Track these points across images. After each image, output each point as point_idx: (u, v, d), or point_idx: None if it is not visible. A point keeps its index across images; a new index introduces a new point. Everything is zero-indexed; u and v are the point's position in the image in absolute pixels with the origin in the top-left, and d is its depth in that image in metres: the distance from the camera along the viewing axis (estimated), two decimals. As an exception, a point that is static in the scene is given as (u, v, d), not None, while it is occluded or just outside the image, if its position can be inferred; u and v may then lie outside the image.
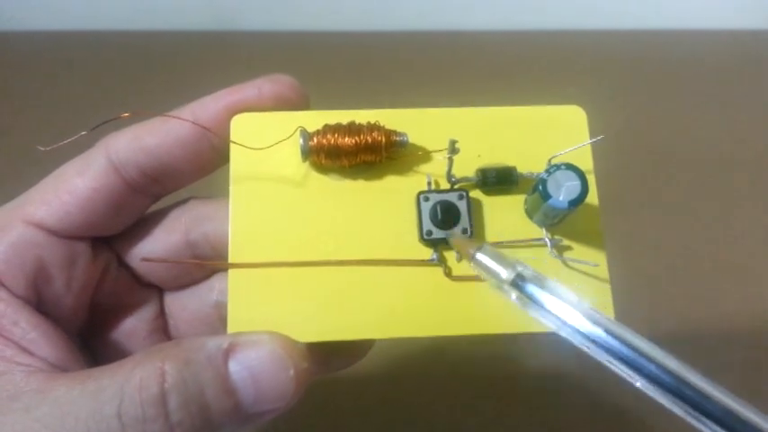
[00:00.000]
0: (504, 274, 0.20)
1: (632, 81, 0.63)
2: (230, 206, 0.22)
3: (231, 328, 0.21)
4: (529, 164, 0.23)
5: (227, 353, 0.20)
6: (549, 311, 0.19)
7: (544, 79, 0.60)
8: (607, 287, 0.22)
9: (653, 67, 0.64)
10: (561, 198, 0.20)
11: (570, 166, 0.20)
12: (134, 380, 0.19)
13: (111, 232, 0.25)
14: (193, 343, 0.20)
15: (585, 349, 0.19)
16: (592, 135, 0.23)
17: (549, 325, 0.19)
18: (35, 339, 0.21)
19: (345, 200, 0.22)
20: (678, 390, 0.17)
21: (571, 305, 0.19)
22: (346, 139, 0.21)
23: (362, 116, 0.23)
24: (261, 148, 0.22)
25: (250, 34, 0.63)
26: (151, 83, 0.55)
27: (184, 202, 0.26)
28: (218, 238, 0.24)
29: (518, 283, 0.19)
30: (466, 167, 0.23)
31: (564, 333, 0.19)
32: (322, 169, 0.22)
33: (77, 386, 0.19)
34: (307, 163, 0.22)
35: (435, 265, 0.22)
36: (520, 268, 0.20)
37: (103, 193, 0.23)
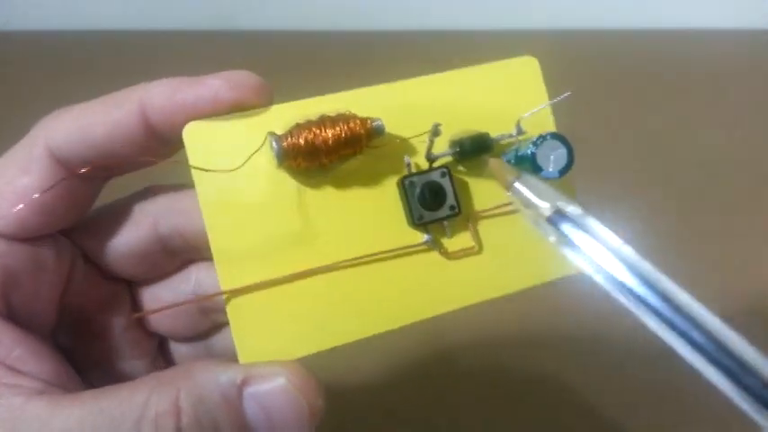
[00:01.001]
0: (542, 207, 0.19)
1: (631, 81, 0.63)
2: (207, 231, 0.20)
3: (243, 359, 0.20)
4: (496, 126, 0.22)
5: (241, 388, 0.19)
6: (583, 253, 0.18)
7: (544, 78, 0.60)
8: None
9: (653, 67, 0.64)
10: (551, 169, 0.21)
11: (555, 135, 0.21)
12: (149, 414, 0.18)
13: (70, 223, 0.23)
14: (206, 375, 0.19)
15: (620, 298, 0.17)
16: (553, 97, 0.23)
17: (581, 268, 0.18)
18: (21, 356, 0.20)
19: (326, 200, 0.21)
20: (717, 358, 0.16)
21: (610, 249, 0.17)
22: (324, 133, 0.20)
23: (313, 105, 0.21)
24: (230, 170, 0.20)
25: (249, 34, 0.63)
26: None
27: (147, 192, 0.24)
28: (191, 230, 0.23)
29: (555, 219, 0.18)
30: (438, 140, 0.22)
31: (598, 278, 0.18)
32: (297, 171, 0.21)
33: (88, 417, 0.18)
34: (280, 168, 0.21)
35: (430, 247, 0.22)
36: (560, 203, 0.19)
37: (54, 188, 0.21)
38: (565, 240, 0.18)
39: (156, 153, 0.22)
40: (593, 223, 0.18)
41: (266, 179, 0.21)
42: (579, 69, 0.63)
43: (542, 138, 0.21)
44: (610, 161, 0.53)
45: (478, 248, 0.22)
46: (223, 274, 0.20)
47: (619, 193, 0.52)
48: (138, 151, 0.22)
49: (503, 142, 0.22)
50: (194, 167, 0.20)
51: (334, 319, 0.21)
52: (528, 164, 0.21)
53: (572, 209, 0.18)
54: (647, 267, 0.17)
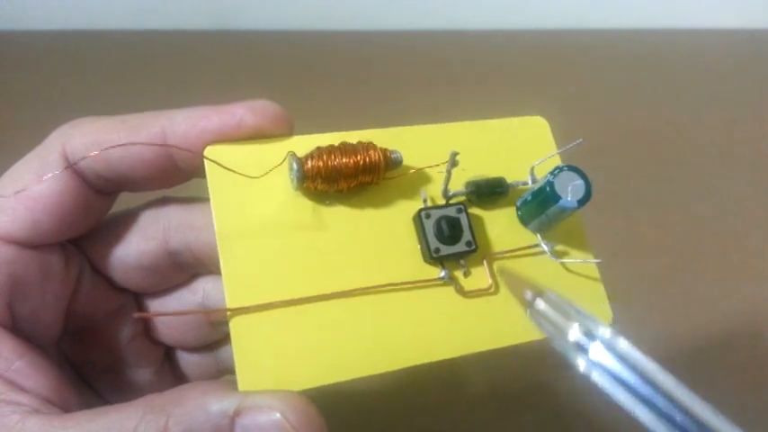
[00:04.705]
0: (568, 330, 0.17)
1: (632, 80, 0.63)
2: (219, 251, 0.20)
3: (242, 386, 0.19)
4: (508, 174, 0.23)
5: (233, 420, 0.18)
6: (623, 390, 0.16)
7: (545, 78, 0.60)
8: (600, 286, 0.23)
9: (653, 66, 0.64)
10: (570, 198, 0.20)
11: (572, 167, 0.21)
12: None
13: (78, 233, 0.23)
14: (197, 403, 0.18)
15: None
16: (566, 138, 0.23)
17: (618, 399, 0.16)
18: (21, 369, 0.20)
19: (341, 226, 0.21)
20: None
21: (655, 380, 0.15)
22: (344, 159, 0.20)
23: (333, 139, 0.22)
24: (250, 176, 0.20)
25: (250, 34, 0.63)
26: (151, 83, 0.55)
27: (160, 202, 0.24)
28: (202, 247, 0.23)
29: (584, 346, 0.16)
30: (452, 182, 0.22)
31: (639, 414, 0.15)
32: (314, 195, 0.21)
33: None
34: (297, 190, 0.21)
35: (446, 283, 0.21)
36: (588, 324, 0.17)
37: (68, 196, 0.21)
38: (596, 369, 0.16)
39: (169, 180, 0.22)
40: (626, 348, 0.16)
41: (282, 200, 0.21)
42: (579, 69, 0.63)
43: (559, 168, 0.21)
44: (608, 160, 0.53)
45: (495, 289, 0.22)
46: (231, 291, 0.20)
47: (617, 191, 0.52)
48: (152, 175, 0.22)
49: (518, 188, 0.23)
50: (209, 159, 0.20)
51: (345, 350, 0.20)
52: (544, 196, 0.21)
53: (602, 331, 0.16)
54: (687, 397, 0.15)
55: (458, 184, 0.22)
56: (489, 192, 0.22)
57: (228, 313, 0.19)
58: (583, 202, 0.20)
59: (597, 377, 0.16)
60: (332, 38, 0.63)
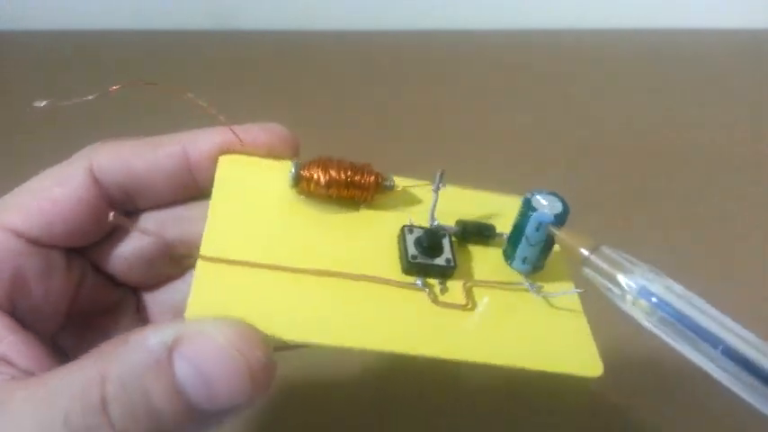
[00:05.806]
0: (627, 284, 0.17)
1: (633, 80, 0.63)
2: (209, 211, 0.21)
3: (189, 314, 0.18)
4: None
5: (172, 349, 0.17)
6: (691, 340, 0.15)
7: (545, 78, 0.60)
8: (582, 318, 0.22)
9: (653, 66, 0.64)
10: (547, 211, 0.20)
11: (550, 192, 0.21)
12: (76, 387, 0.17)
13: (86, 243, 0.24)
14: (137, 341, 0.17)
15: (747, 395, 0.15)
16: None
17: (689, 356, 0.16)
18: (13, 344, 0.20)
19: (327, 230, 0.22)
20: None
21: (729, 330, 0.15)
22: (340, 172, 0.22)
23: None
24: (261, 156, 0.23)
25: (250, 34, 0.63)
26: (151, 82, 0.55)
27: None
28: (197, 238, 0.23)
29: (648, 299, 0.16)
30: (443, 222, 0.23)
31: (713, 371, 0.16)
32: (308, 195, 0.23)
33: (30, 395, 0.17)
34: (293, 189, 0.23)
35: (420, 289, 0.21)
36: (648, 277, 0.17)
37: (84, 205, 0.22)
38: (665, 324, 0.16)
39: (188, 193, 0.24)
40: (698, 302, 0.16)
41: (278, 192, 0.23)
42: (579, 69, 0.63)
43: (538, 190, 0.21)
44: (608, 160, 0.53)
45: (472, 305, 0.22)
46: (208, 241, 0.20)
47: (617, 191, 0.52)
48: (172, 189, 0.23)
49: (504, 239, 0.23)
50: (231, 129, 0.23)
51: (303, 314, 0.20)
52: (522, 217, 0.21)
53: (663, 284, 0.16)
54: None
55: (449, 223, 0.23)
56: (476, 232, 0.23)
57: (199, 259, 0.20)
58: (560, 218, 0.20)
59: (657, 324, 0.16)
60: (332, 38, 0.63)
